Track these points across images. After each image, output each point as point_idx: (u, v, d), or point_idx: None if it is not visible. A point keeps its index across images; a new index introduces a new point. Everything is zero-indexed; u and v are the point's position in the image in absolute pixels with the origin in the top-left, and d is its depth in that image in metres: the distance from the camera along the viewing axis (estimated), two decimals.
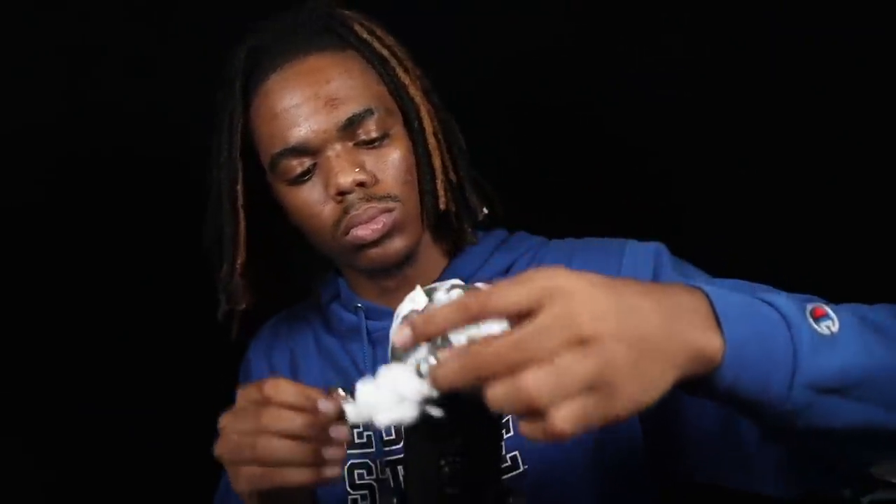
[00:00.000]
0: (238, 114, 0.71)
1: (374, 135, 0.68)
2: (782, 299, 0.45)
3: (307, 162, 0.68)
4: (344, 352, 0.76)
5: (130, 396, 1.12)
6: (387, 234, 0.68)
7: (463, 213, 0.74)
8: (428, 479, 0.45)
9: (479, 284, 0.48)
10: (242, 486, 0.52)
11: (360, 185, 0.67)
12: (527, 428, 0.38)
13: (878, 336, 0.46)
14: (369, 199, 0.67)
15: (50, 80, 1.08)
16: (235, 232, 0.73)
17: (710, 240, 0.84)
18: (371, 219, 0.67)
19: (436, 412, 0.42)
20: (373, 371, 0.46)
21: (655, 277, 0.69)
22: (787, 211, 0.99)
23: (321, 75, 0.68)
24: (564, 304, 0.38)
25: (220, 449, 0.52)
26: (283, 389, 0.51)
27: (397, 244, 0.69)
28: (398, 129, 0.70)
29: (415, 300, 0.48)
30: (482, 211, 0.75)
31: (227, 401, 0.54)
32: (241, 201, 0.72)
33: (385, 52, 0.71)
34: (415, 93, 0.71)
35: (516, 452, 0.67)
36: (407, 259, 0.71)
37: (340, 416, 0.48)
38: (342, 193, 0.67)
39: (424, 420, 0.44)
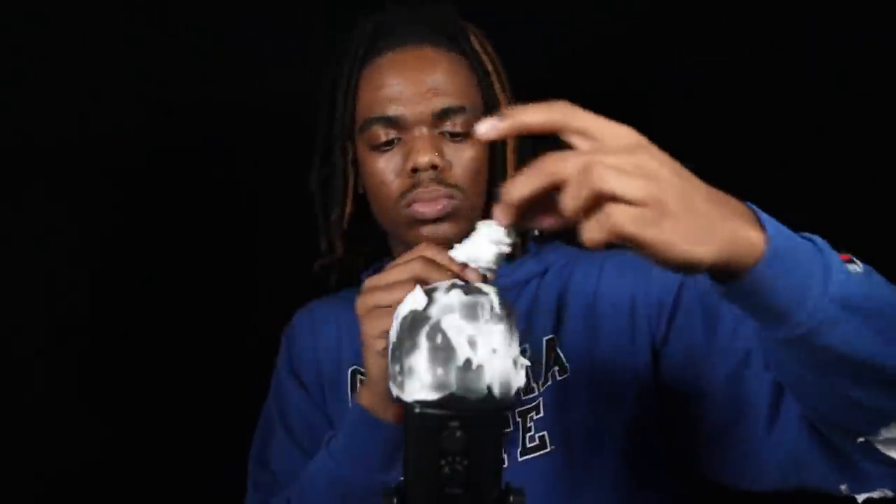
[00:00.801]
0: (355, 77, 0.78)
1: (459, 129, 0.74)
2: (816, 237, 0.47)
3: (393, 134, 0.74)
4: None
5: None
6: (443, 217, 0.73)
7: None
8: (428, 479, 0.45)
9: (479, 285, 0.48)
10: (375, 330, 0.58)
11: (434, 167, 0.72)
12: (589, 229, 0.41)
13: None
14: (438, 182, 0.73)
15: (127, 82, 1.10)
16: (345, 184, 0.80)
17: None
18: (434, 199, 0.73)
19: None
20: None
21: (680, 289, 0.71)
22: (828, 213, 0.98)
23: (431, 66, 0.75)
24: (636, 143, 0.42)
25: (358, 305, 0.60)
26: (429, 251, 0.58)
27: (449, 229, 0.74)
28: None
29: (415, 300, 0.48)
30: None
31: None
32: (351, 156, 0.80)
33: (489, 66, 0.78)
34: (505, 108, 0.75)
35: (545, 433, 0.70)
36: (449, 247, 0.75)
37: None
38: (416, 170, 0.72)
39: (424, 420, 0.45)
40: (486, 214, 0.75)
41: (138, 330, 1.16)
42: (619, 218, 0.40)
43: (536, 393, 0.74)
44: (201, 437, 1.14)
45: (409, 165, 0.73)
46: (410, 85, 0.74)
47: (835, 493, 0.56)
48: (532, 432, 0.72)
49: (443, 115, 0.74)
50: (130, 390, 1.14)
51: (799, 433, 0.58)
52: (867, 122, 1.00)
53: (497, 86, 0.79)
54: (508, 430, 0.73)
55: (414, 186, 0.73)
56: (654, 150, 0.42)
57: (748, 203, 0.46)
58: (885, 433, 0.50)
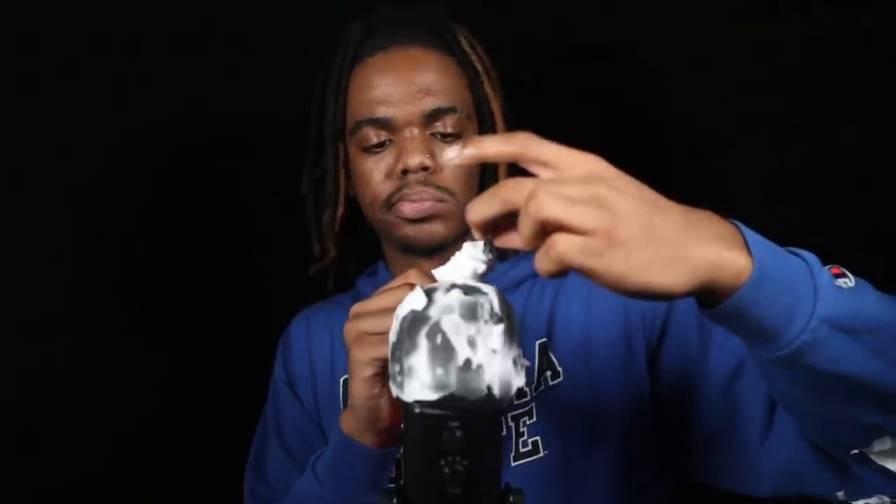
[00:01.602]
0: (345, 79, 0.78)
1: (450, 130, 0.75)
2: (806, 252, 0.47)
3: (384, 135, 0.75)
4: None
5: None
6: (428, 218, 0.73)
7: None
8: (428, 479, 0.45)
9: (479, 285, 0.48)
10: (363, 357, 0.58)
11: (425, 168, 0.72)
12: (538, 258, 0.41)
13: (892, 300, 0.48)
14: (427, 183, 0.73)
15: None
16: (336, 186, 0.81)
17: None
18: (419, 200, 0.73)
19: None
20: None
21: (669, 308, 0.72)
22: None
23: (421, 66, 0.75)
24: (595, 171, 0.42)
25: (346, 332, 0.60)
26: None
27: (436, 229, 0.74)
28: (471, 134, 0.77)
29: (415, 300, 0.48)
30: None
31: None
32: (342, 158, 0.80)
33: (479, 67, 0.79)
34: (495, 109, 0.79)
35: (538, 438, 0.69)
36: (442, 247, 0.76)
37: None
38: (406, 172, 0.72)
39: (424, 420, 0.45)
40: None
41: (135, 332, 1.15)
42: (563, 247, 0.40)
43: (529, 397, 0.74)
44: (201, 440, 1.13)
45: (400, 167, 0.73)
46: (400, 86, 0.74)
47: (832, 500, 0.56)
48: (525, 437, 0.72)
49: (433, 115, 0.74)
50: (129, 394, 1.13)
51: (794, 443, 0.58)
52: (863, 123, 1.02)
53: (487, 86, 0.79)
54: (502, 434, 0.73)
55: (401, 188, 0.74)
56: (615, 179, 0.42)
57: (734, 222, 0.45)
58: (879, 445, 0.50)
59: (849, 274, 0.46)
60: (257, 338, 0.96)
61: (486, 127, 0.79)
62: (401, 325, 0.47)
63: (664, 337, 0.71)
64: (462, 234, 0.76)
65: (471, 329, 0.45)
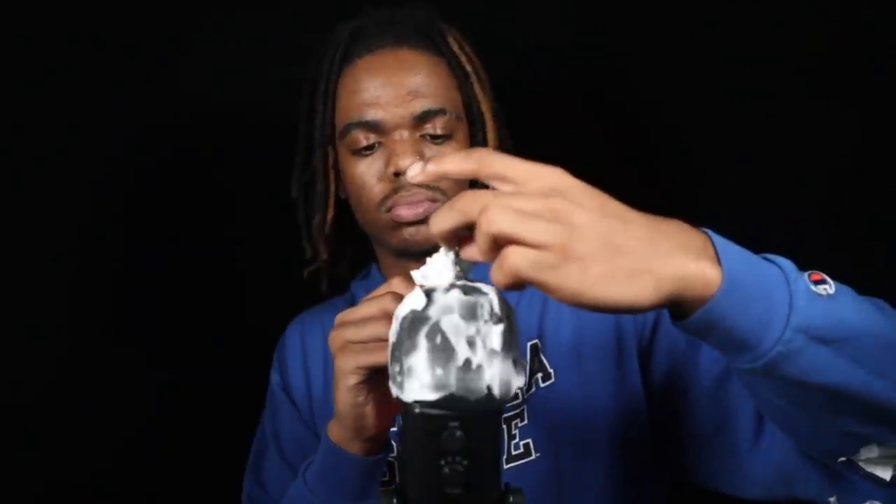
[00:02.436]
0: (333, 81, 0.78)
1: (439, 132, 0.75)
2: (782, 259, 0.46)
3: (373, 138, 0.74)
4: None
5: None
6: (424, 220, 0.73)
7: None
8: (428, 479, 0.45)
9: (478, 284, 0.48)
10: (348, 366, 0.58)
11: None
12: (493, 271, 0.41)
13: (873, 307, 0.46)
14: (419, 185, 0.72)
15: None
16: (326, 189, 0.80)
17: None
18: (415, 202, 0.73)
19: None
20: None
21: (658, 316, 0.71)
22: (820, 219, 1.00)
23: (409, 68, 0.75)
24: (553, 184, 0.41)
25: (331, 340, 0.60)
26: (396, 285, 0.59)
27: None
28: (462, 136, 0.77)
29: (414, 301, 0.48)
30: None
31: None
32: (332, 161, 0.80)
33: (469, 68, 0.79)
34: (485, 109, 0.79)
35: (530, 440, 0.69)
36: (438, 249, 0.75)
37: None
38: (398, 174, 0.72)
39: (424, 420, 0.45)
40: None
41: (129, 336, 1.14)
42: (514, 261, 0.39)
43: (520, 400, 0.74)
44: (196, 443, 1.12)
45: (391, 170, 0.73)
46: (389, 88, 0.74)
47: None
48: (517, 440, 0.72)
49: (422, 117, 0.74)
50: (122, 398, 1.11)
51: (784, 447, 0.58)
52: (853, 127, 1.03)
53: (477, 87, 0.79)
54: (502, 434, 0.73)
55: (395, 191, 0.73)
56: (575, 191, 0.41)
57: (706, 231, 0.44)
58: (866, 453, 0.49)
59: (829, 280, 0.45)
60: (252, 340, 0.95)
61: (476, 128, 0.79)
62: (400, 326, 0.47)
63: (655, 336, 0.72)
64: None
65: (470, 329, 0.45)
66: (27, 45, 1.04)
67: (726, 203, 1.02)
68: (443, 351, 0.45)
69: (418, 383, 0.45)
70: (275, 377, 0.87)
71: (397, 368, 0.46)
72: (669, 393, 0.69)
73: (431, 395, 0.45)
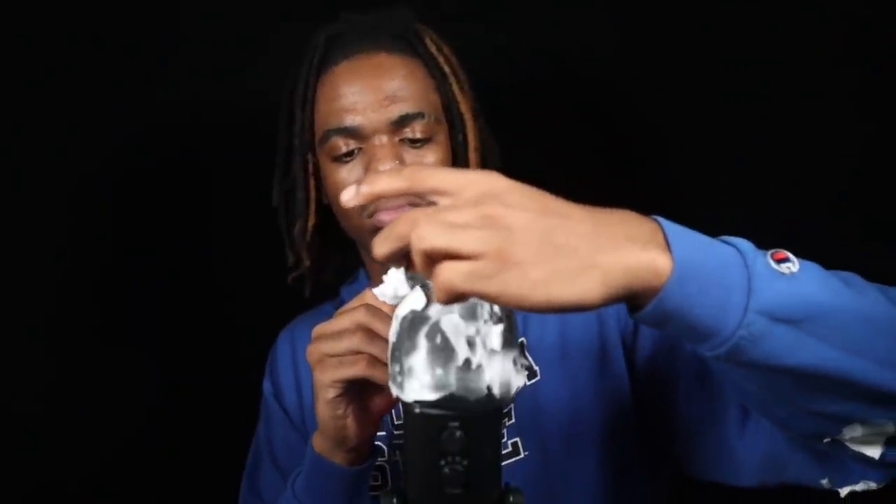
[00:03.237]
0: (311, 87, 0.77)
1: (419, 135, 0.74)
2: (741, 240, 0.44)
3: (353, 144, 0.74)
4: None
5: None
6: None
7: None
8: (428, 479, 0.45)
9: None
10: (326, 379, 0.58)
11: None
12: (435, 289, 0.40)
13: (841, 283, 0.44)
14: None
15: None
16: (307, 196, 0.80)
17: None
18: (397, 207, 0.71)
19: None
20: None
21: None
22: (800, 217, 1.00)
23: (386, 72, 0.74)
24: (485, 190, 0.40)
25: (308, 354, 0.60)
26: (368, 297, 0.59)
27: None
28: (442, 138, 0.76)
29: (414, 301, 0.48)
30: None
31: None
32: (311, 168, 0.79)
33: (447, 69, 0.78)
34: (465, 110, 0.78)
35: (517, 439, 0.69)
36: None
37: None
38: None
39: (424, 420, 0.45)
40: None
41: (118, 339, 1.14)
42: (447, 276, 0.38)
43: None
44: (190, 447, 1.12)
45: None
46: (366, 93, 0.73)
47: (816, 488, 0.55)
48: (505, 438, 0.72)
49: (401, 122, 0.73)
50: (115, 400, 1.11)
51: (769, 432, 0.57)
52: (843, 132, 1.03)
53: (455, 87, 0.78)
54: (502, 434, 0.73)
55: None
56: (509, 194, 0.40)
57: (656, 218, 0.43)
58: (850, 433, 0.47)
59: (793, 258, 0.44)
60: (247, 342, 0.95)
61: (456, 129, 0.78)
62: (400, 326, 0.47)
63: (638, 330, 0.72)
64: None
65: (470, 329, 0.46)
66: (27, 45, 1.04)
67: (720, 204, 1.02)
68: (443, 351, 0.45)
69: (418, 383, 0.45)
70: (267, 386, 0.87)
71: (397, 368, 0.46)
72: (656, 385, 0.69)
73: (431, 395, 0.45)
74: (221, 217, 1.16)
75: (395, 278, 0.52)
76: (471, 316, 0.46)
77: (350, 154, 0.74)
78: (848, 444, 0.48)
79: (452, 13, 0.82)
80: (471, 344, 0.45)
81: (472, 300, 0.46)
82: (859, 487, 0.52)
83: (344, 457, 0.64)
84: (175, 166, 1.15)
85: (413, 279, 0.51)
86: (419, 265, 0.40)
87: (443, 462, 0.45)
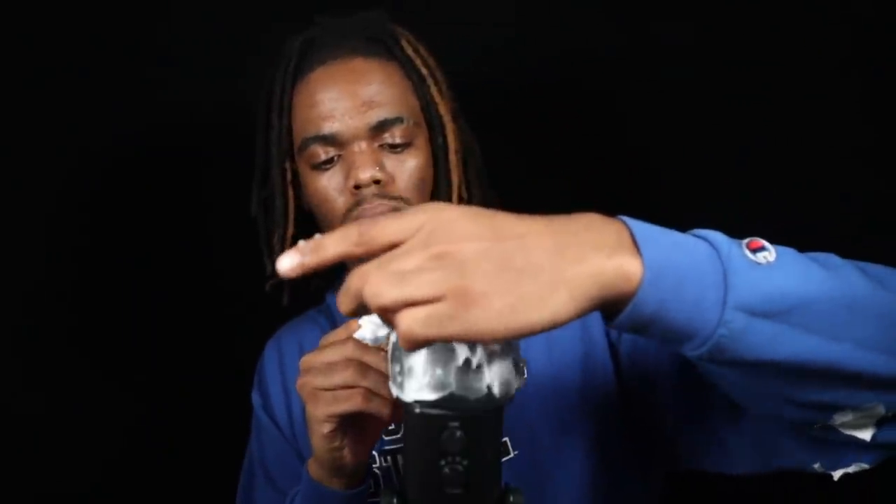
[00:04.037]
0: (287, 95, 0.76)
1: (398, 140, 0.73)
2: (713, 233, 0.43)
3: (332, 151, 0.73)
4: None
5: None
6: None
7: None
8: (428, 479, 0.45)
9: None
10: (320, 414, 0.58)
11: (377, 182, 0.71)
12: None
13: (820, 268, 0.43)
14: (382, 196, 0.71)
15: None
16: (285, 205, 0.79)
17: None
18: (378, 214, 0.71)
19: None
20: None
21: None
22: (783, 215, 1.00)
23: (363, 77, 0.73)
24: (433, 228, 0.38)
25: (299, 386, 0.59)
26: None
27: None
28: (422, 141, 0.75)
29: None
30: None
31: None
32: (289, 177, 0.79)
33: (424, 71, 0.77)
34: (444, 112, 0.77)
35: (506, 438, 0.69)
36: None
37: None
38: (359, 187, 0.71)
39: (424, 420, 0.45)
40: None
41: (119, 337, 1.14)
42: (407, 324, 0.36)
43: None
44: (186, 450, 1.12)
45: (351, 183, 0.72)
46: (344, 99, 0.72)
47: (810, 472, 0.54)
48: (502, 451, 0.71)
49: (380, 127, 0.72)
50: (110, 402, 1.11)
51: (762, 420, 0.56)
52: (835, 137, 1.03)
53: (434, 89, 0.77)
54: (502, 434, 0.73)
55: (358, 203, 0.72)
56: (456, 225, 0.38)
57: (623, 219, 0.41)
58: (840, 418, 0.46)
59: (769, 246, 0.42)
60: (242, 347, 0.94)
61: (435, 132, 0.77)
62: None
63: None
64: None
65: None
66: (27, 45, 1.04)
67: (723, 206, 1.02)
68: (443, 351, 0.45)
69: (418, 383, 0.45)
70: (256, 398, 0.87)
71: (397, 368, 0.46)
72: (643, 378, 0.68)
73: (431, 395, 0.45)
74: (221, 217, 1.16)
75: (370, 322, 0.53)
76: None
77: (330, 161, 0.73)
78: (839, 428, 0.47)
79: (440, 15, 0.81)
80: (471, 344, 0.45)
81: None
82: (852, 469, 0.51)
83: (340, 482, 0.64)
84: (174, 166, 1.15)
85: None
86: (382, 318, 0.39)
87: (443, 462, 0.45)
